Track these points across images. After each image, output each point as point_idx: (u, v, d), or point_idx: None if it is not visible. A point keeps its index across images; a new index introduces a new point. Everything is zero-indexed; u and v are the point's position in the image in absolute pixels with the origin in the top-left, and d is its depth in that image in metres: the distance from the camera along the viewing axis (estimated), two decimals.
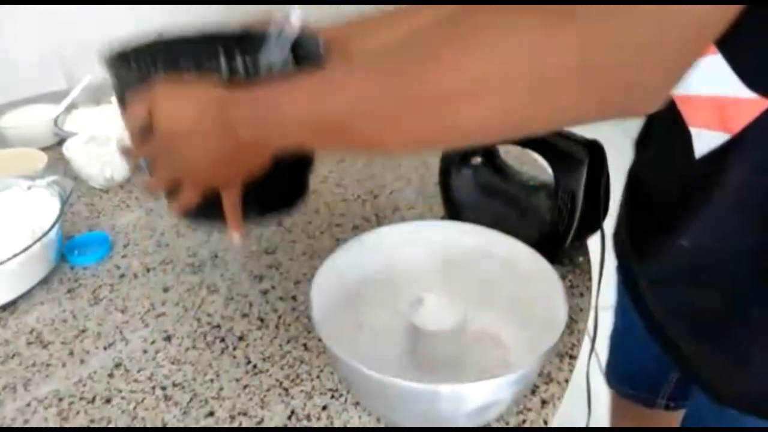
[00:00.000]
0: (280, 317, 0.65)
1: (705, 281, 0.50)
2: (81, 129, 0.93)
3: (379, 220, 0.80)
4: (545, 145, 0.66)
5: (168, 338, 0.63)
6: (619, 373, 0.88)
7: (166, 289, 0.70)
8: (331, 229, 0.79)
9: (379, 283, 0.61)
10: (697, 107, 0.45)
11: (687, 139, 0.46)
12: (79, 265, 0.73)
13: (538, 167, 0.83)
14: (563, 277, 0.67)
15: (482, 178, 0.75)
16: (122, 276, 0.72)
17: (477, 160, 0.75)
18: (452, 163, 0.75)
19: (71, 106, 1.00)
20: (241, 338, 0.63)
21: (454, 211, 0.76)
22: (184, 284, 0.70)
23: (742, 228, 0.46)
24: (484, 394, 0.46)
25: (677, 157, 0.49)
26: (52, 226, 0.70)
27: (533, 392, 0.55)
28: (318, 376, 0.58)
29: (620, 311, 0.81)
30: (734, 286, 0.48)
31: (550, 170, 0.67)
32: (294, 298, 0.68)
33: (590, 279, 0.68)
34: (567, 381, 0.57)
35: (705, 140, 0.45)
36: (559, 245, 0.67)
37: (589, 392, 0.72)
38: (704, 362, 0.55)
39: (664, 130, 0.52)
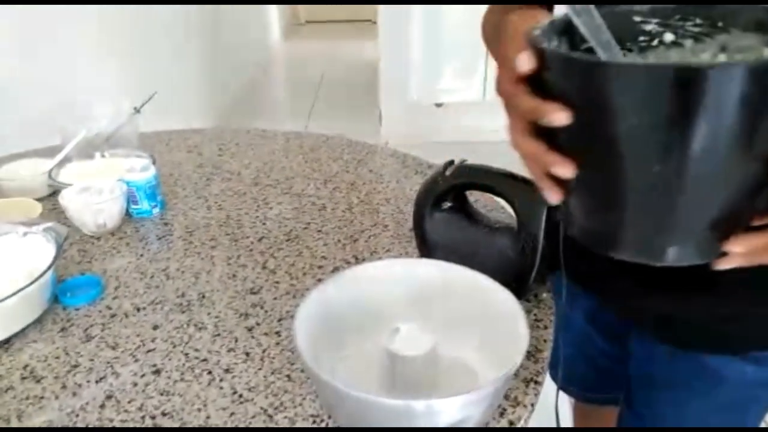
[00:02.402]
0: (264, 351, 0.69)
1: None
2: (74, 180, 0.98)
3: (358, 262, 0.85)
4: (509, 190, 0.73)
5: (157, 372, 0.66)
6: (575, 380, 0.94)
7: (155, 327, 0.73)
8: (313, 271, 0.84)
9: (358, 317, 0.66)
10: None
11: None
12: (72, 306, 0.77)
13: (503, 211, 0.90)
14: (528, 311, 0.73)
15: (453, 222, 0.81)
16: (113, 315, 0.75)
17: (447, 205, 0.81)
18: (425, 208, 0.82)
19: (65, 160, 1.06)
20: (227, 370, 0.66)
21: (427, 253, 0.82)
22: (172, 322, 0.74)
23: None
24: (454, 408, 0.51)
25: None
26: (47, 269, 0.74)
27: (501, 414, 0.59)
28: (300, 404, 0.62)
29: (564, 321, 0.89)
30: None
31: (513, 214, 0.73)
32: (278, 333, 0.72)
33: (553, 313, 0.73)
34: (533, 405, 0.61)
35: None
36: (524, 282, 0.73)
37: (557, 416, 0.76)
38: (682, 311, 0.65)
39: None
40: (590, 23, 0.43)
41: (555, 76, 0.42)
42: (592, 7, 0.42)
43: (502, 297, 0.62)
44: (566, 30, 0.46)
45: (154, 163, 1.02)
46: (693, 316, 0.68)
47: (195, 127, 1.43)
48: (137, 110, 1.17)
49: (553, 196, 0.46)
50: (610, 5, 0.49)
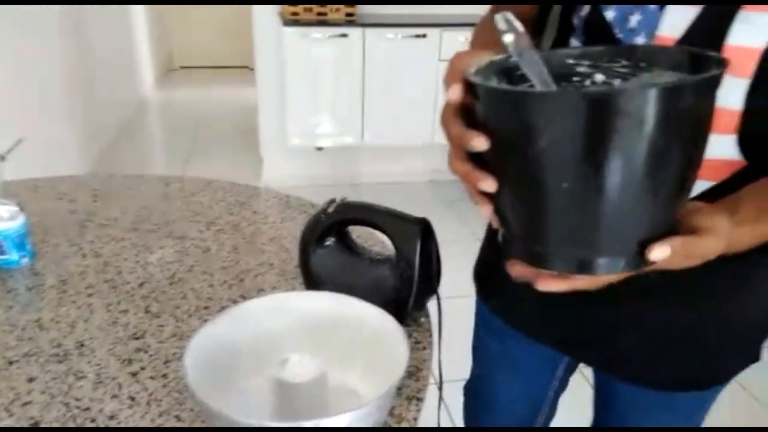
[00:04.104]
0: (151, 394, 0.69)
1: None
2: None
3: (246, 300, 0.87)
4: (386, 224, 0.79)
5: (36, 424, 0.64)
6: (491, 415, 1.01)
7: (30, 380, 0.70)
8: (199, 312, 0.84)
9: (248, 352, 0.68)
10: None
11: None
12: None
13: (382, 244, 0.96)
14: (408, 335, 0.78)
15: (337, 256, 0.86)
16: None
17: (331, 240, 0.86)
18: (310, 244, 0.85)
19: None
20: (112, 417, 0.65)
21: (314, 287, 0.85)
22: (49, 373, 0.71)
23: None
24: (342, 425, 0.54)
25: None
26: None
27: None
28: None
29: (483, 353, 0.96)
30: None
31: (391, 246, 0.79)
32: (165, 375, 0.72)
33: (431, 335, 0.79)
34: (416, 419, 0.66)
35: None
36: (403, 308, 0.78)
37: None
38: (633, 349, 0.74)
39: None
40: (531, 63, 0.49)
41: (479, 104, 0.49)
42: (534, 50, 0.49)
43: (385, 322, 0.67)
44: (505, 70, 0.53)
45: (21, 210, 0.97)
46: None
47: (67, 175, 1.38)
48: (2, 157, 1.11)
49: (484, 210, 0.53)
50: (551, 50, 0.59)
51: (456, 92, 0.50)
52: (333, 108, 3.16)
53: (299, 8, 2.94)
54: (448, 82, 0.56)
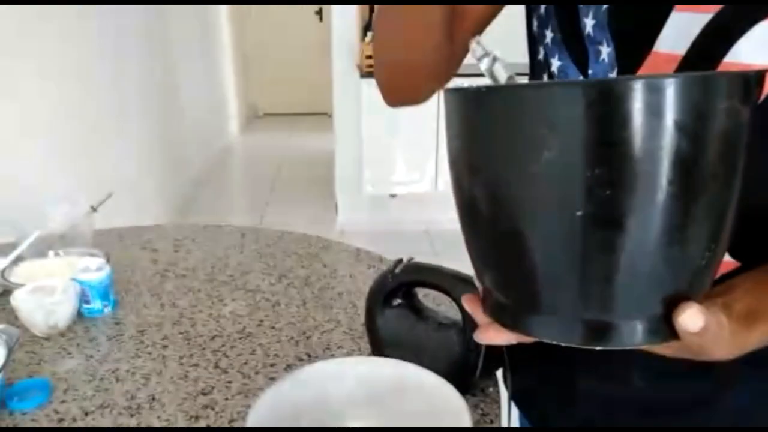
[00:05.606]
0: None
1: None
2: (27, 280, 0.98)
3: (311, 359, 0.87)
4: (453, 289, 0.78)
5: None
6: None
7: None
8: (266, 369, 0.85)
9: (311, 417, 0.67)
10: None
11: None
12: (19, 410, 0.75)
13: (450, 303, 0.94)
14: (475, 406, 0.75)
15: (402, 318, 0.85)
16: (61, 420, 0.74)
17: (398, 302, 0.85)
18: (376, 306, 0.85)
19: (18, 259, 1.06)
20: None
21: (379, 348, 0.84)
22: (121, 426, 0.74)
23: None
24: None
25: None
26: None
27: None
28: None
29: None
30: None
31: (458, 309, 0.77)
32: None
33: (499, 407, 0.76)
34: None
35: None
36: (470, 376, 0.76)
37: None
38: None
39: None
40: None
41: (456, 124, 0.41)
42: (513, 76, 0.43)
43: (449, 394, 0.65)
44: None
45: (108, 260, 1.03)
46: None
47: (149, 224, 1.45)
48: (94, 209, 1.19)
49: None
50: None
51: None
52: (408, 156, 3.19)
53: None
54: None
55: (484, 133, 0.37)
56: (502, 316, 0.41)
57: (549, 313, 0.38)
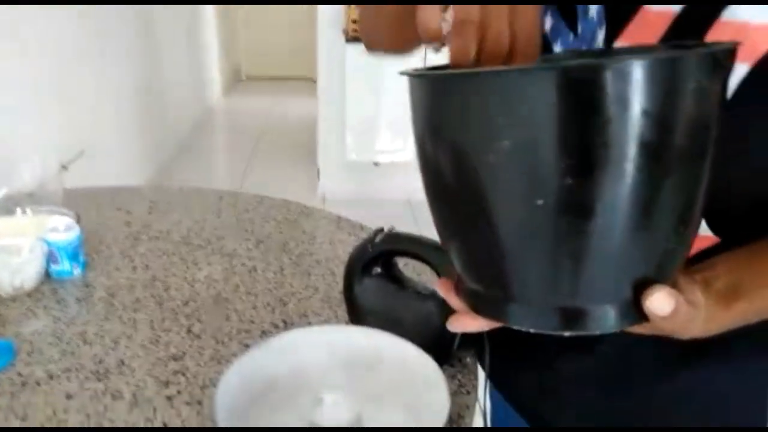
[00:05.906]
0: (183, 422, 0.67)
1: None
2: None
3: (287, 326, 0.85)
4: (434, 259, 0.76)
5: None
6: None
7: (68, 396, 0.70)
8: (240, 335, 0.82)
9: (284, 385, 0.66)
10: None
11: None
12: None
13: (431, 274, 0.92)
14: (452, 377, 0.74)
15: (382, 287, 0.83)
16: (24, 384, 0.72)
17: (377, 271, 0.83)
18: (355, 273, 0.83)
19: None
20: None
21: (356, 317, 0.83)
22: (87, 391, 0.71)
23: None
24: None
25: None
26: None
27: None
28: None
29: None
30: None
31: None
32: (200, 402, 0.70)
33: (476, 378, 0.75)
34: None
35: None
36: (448, 347, 0.74)
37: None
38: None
39: None
40: None
41: (419, 110, 0.39)
42: None
43: (426, 365, 0.63)
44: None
45: (78, 221, 0.99)
46: None
47: (128, 185, 1.41)
48: (65, 167, 1.15)
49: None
50: None
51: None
52: (392, 123, 3.15)
53: None
54: None
55: (445, 122, 0.36)
56: (476, 303, 0.41)
57: (520, 301, 0.38)
